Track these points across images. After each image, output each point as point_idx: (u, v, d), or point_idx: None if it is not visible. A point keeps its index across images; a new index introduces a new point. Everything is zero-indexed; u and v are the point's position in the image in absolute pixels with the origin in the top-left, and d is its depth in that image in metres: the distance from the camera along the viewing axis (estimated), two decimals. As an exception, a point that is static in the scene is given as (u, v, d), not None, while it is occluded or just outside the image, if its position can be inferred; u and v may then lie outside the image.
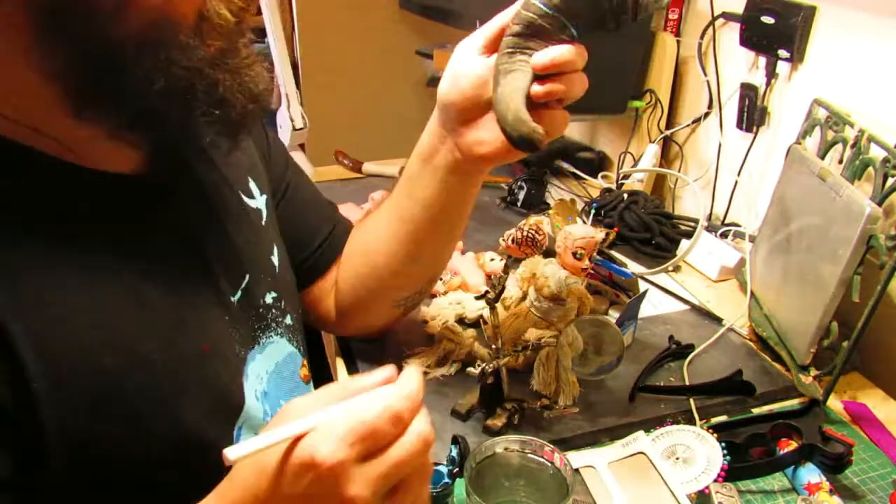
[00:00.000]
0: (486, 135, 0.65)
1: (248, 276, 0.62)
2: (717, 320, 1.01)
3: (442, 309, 0.95)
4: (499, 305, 0.81)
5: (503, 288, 0.80)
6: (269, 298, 0.65)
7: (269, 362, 0.65)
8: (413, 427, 0.43)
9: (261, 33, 1.42)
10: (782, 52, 1.11)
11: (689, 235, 1.19)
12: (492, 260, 1.09)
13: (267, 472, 0.42)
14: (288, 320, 0.69)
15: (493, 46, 0.64)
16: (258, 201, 0.69)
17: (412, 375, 0.45)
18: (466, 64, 0.65)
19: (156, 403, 0.51)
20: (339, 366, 0.90)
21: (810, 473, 0.71)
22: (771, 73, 1.15)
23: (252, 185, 0.69)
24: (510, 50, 0.60)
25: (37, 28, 0.43)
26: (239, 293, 0.62)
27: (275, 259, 0.69)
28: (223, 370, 0.57)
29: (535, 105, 0.60)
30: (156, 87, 0.46)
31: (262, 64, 0.53)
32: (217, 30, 0.49)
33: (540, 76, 0.60)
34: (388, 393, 0.43)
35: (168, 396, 0.52)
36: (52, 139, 0.48)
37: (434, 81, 1.64)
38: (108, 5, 0.43)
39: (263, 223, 0.69)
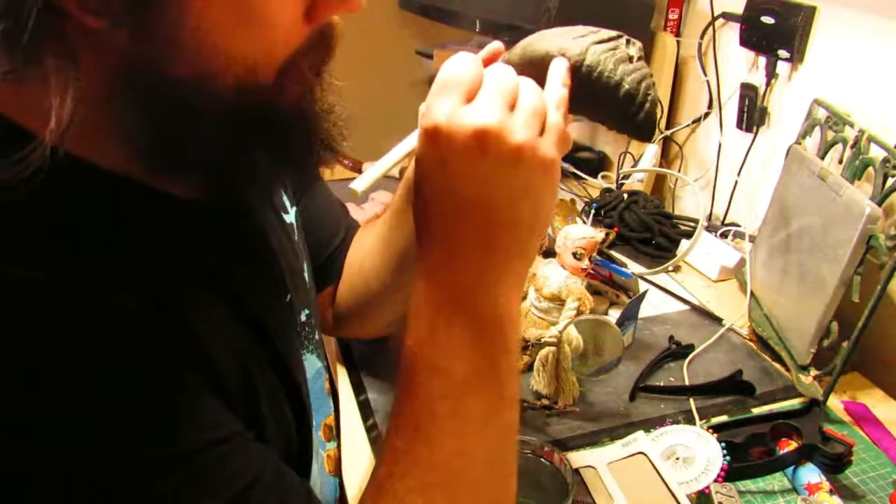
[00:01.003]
0: None
1: (289, 295, 0.60)
2: (717, 320, 1.01)
3: (442, 309, 0.95)
4: (499, 305, 0.81)
5: (503, 288, 0.79)
6: (303, 316, 0.64)
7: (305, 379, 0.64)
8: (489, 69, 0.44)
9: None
10: (782, 53, 1.11)
11: (689, 235, 1.19)
12: (492, 260, 1.09)
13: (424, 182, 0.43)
14: (316, 336, 0.67)
15: None
16: (290, 216, 0.67)
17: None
18: None
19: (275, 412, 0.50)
20: (340, 367, 0.90)
21: (810, 473, 0.71)
22: (771, 74, 1.15)
23: (284, 199, 0.68)
24: None
25: (122, 104, 0.40)
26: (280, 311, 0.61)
27: (305, 275, 0.67)
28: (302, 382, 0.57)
29: None
30: (239, 158, 0.43)
31: (340, 104, 0.49)
32: (300, 81, 0.45)
33: None
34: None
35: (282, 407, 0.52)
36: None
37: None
38: (186, 79, 0.39)
39: (296, 238, 0.67)
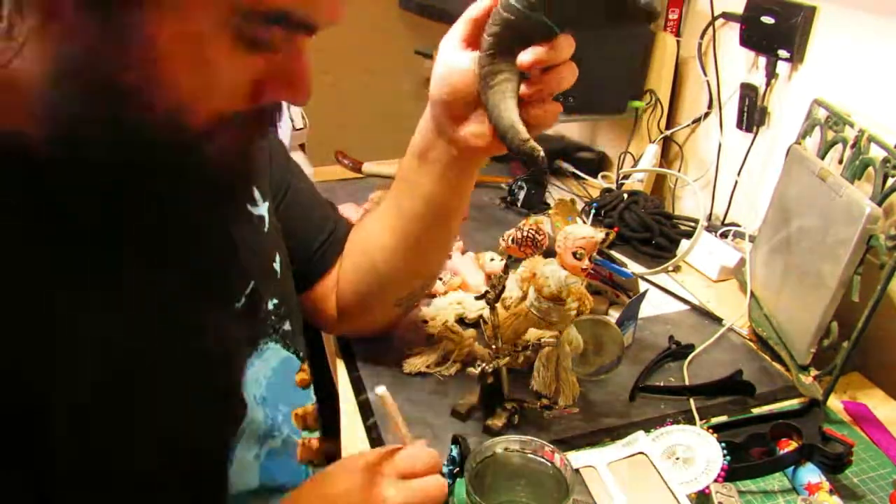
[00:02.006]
0: (479, 128, 0.65)
1: (251, 284, 0.63)
2: (717, 320, 1.01)
3: (442, 309, 0.95)
4: (499, 305, 0.81)
5: (503, 288, 0.80)
6: (270, 305, 0.66)
7: (266, 367, 0.65)
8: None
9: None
10: (782, 52, 1.11)
11: (689, 235, 1.19)
12: (492, 260, 1.09)
13: None
14: (286, 326, 0.69)
15: (473, 40, 0.63)
16: (261, 208, 0.69)
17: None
18: (452, 60, 0.65)
19: (162, 408, 0.51)
20: (340, 367, 0.90)
21: (810, 473, 0.71)
22: (771, 73, 1.15)
23: (255, 193, 0.69)
24: (491, 51, 0.59)
25: (53, 78, 0.42)
26: (243, 299, 0.62)
27: (276, 265, 0.70)
28: (229, 376, 0.58)
29: (526, 102, 0.60)
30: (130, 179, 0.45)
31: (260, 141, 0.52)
32: (231, 139, 0.47)
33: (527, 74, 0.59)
34: None
35: (175, 401, 0.52)
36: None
37: (434, 81, 1.63)
38: (124, 86, 0.42)
39: (266, 230, 0.69)
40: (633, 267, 1.15)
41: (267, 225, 0.70)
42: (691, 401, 0.83)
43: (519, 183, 1.37)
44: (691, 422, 0.80)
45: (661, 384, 0.87)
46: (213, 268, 0.59)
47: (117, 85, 0.41)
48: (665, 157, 1.45)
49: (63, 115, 0.42)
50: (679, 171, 1.41)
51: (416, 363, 0.86)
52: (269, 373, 0.65)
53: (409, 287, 0.82)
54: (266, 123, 0.49)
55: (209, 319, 0.58)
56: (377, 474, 0.55)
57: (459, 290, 1.02)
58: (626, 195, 1.32)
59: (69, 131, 0.42)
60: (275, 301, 0.67)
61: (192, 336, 0.55)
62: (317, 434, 0.73)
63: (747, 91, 1.21)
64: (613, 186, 1.42)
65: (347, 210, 1.22)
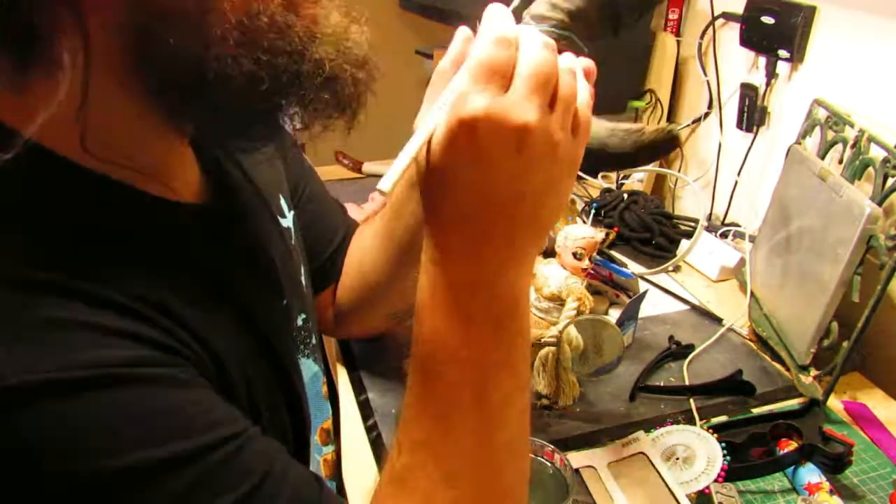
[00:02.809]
0: None
1: (285, 300, 0.60)
2: (717, 320, 1.01)
3: (442, 309, 0.95)
4: (499, 305, 0.81)
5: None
6: (299, 321, 0.64)
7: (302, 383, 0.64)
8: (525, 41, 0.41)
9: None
10: (782, 52, 1.11)
11: (689, 235, 1.19)
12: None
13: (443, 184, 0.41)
14: (313, 340, 0.67)
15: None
16: (288, 220, 0.67)
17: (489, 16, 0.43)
18: None
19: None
20: (340, 368, 0.90)
21: (810, 473, 0.71)
22: (771, 73, 1.15)
23: (282, 203, 0.67)
24: None
25: (127, 50, 0.39)
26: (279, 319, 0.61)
27: (302, 279, 0.67)
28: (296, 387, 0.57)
29: None
30: (262, 89, 0.41)
31: (358, 22, 0.47)
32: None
33: None
34: (479, 38, 0.42)
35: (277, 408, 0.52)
36: (138, 172, 0.44)
37: (434, 81, 1.63)
38: (192, 13, 0.39)
39: (293, 243, 0.67)
40: (633, 267, 1.15)
41: (293, 237, 0.67)
42: (691, 401, 0.83)
43: (519, 183, 1.37)
44: (691, 422, 0.80)
45: (661, 384, 0.87)
46: (265, 281, 0.57)
47: (185, 22, 0.38)
48: (665, 157, 1.45)
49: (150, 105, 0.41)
50: (679, 171, 1.41)
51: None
52: (307, 389, 0.63)
53: (402, 303, 0.80)
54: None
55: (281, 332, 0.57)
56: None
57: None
58: (626, 195, 1.32)
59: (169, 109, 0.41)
60: (303, 316, 0.64)
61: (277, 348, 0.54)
62: (332, 448, 0.72)
63: (747, 91, 1.21)
64: (613, 186, 1.42)
65: (347, 210, 1.22)
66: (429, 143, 0.41)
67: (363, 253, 0.79)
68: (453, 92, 0.41)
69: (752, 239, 1.12)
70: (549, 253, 0.87)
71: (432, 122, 0.41)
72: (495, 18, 0.44)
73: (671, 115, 1.42)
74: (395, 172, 0.40)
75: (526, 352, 0.46)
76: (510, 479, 0.45)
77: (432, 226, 0.44)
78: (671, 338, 0.95)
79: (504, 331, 0.43)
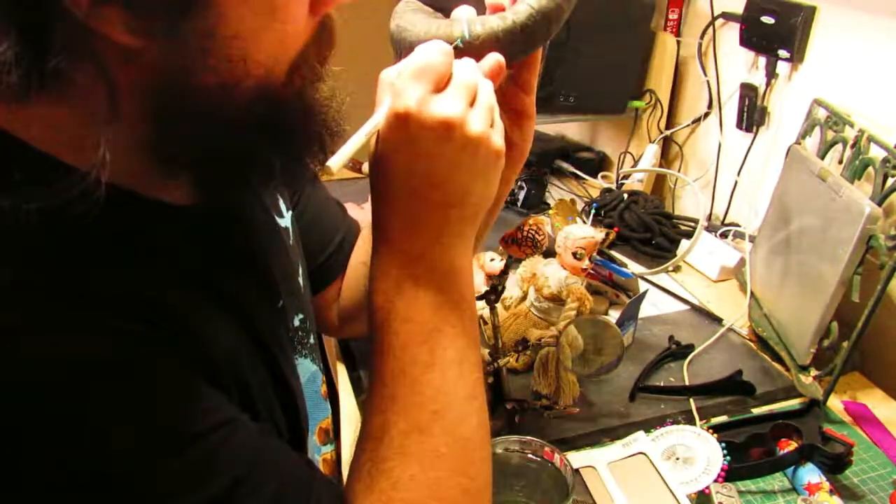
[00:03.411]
0: None
1: (281, 301, 0.60)
2: (717, 320, 1.01)
3: (442, 309, 0.95)
4: (499, 305, 0.81)
5: (503, 288, 0.80)
6: (296, 321, 0.64)
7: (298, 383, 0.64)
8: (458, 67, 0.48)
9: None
10: (782, 52, 1.11)
11: (689, 235, 1.19)
12: (492, 260, 1.09)
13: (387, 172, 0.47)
14: (311, 340, 0.67)
15: None
16: (286, 219, 0.67)
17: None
18: None
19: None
20: (340, 368, 0.90)
21: (810, 473, 0.71)
22: (771, 73, 1.15)
23: (280, 203, 0.68)
24: None
25: (153, 119, 0.41)
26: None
27: (300, 279, 0.67)
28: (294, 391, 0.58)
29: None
30: (278, 165, 0.46)
31: (336, 97, 0.51)
32: (308, 73, 0.47)
33: None
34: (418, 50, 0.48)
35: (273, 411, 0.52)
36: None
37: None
38: (213, 88, 0.41)
39: (291, 243, 0.67)
40: (633, 267, 1.15)
41: (291, 237, 0.68)
42: (691, 401, 0.83)
43: (519, 183, 1.37)
44: (691, 422, 0.80)
45: (661, 384, 0.87)
46: (261, 280, 0.58)
47: (203, 90, 0.40)
48: (665, 157, 1.45)
49: (160, 141, 0.42)
50: (679, 171, 1.41)
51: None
52: (305, 389, 0.63)
53: None
54: (331, 37, 0.48)
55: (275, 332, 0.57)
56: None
57: (459, 290, 1.01)
58: (626, 195, 1.32)
59: (175, 151, 0.43)
60: (300, 316, 0.64)
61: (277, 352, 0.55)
62: (331, 447, 0.72)
63: (747, 91, 1.21)
64: (613, 186, 1.42)
65: (348, 210, 1.22)
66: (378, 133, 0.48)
67: (363, 255, 0.79)
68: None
69: (752, 239, 1.12)
70: (549, 253, 0.87)
71: (382, 113, 0.47)
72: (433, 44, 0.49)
73: (671, 115, 1.42)
74: (342, 154, 0.46)
75: (473, 314, 0.51)
76: (473, 424, 0.49)
77: (375, 204, 0.50)
78: (671, 338, 0.95)
79: (447, 293, 0.49)
